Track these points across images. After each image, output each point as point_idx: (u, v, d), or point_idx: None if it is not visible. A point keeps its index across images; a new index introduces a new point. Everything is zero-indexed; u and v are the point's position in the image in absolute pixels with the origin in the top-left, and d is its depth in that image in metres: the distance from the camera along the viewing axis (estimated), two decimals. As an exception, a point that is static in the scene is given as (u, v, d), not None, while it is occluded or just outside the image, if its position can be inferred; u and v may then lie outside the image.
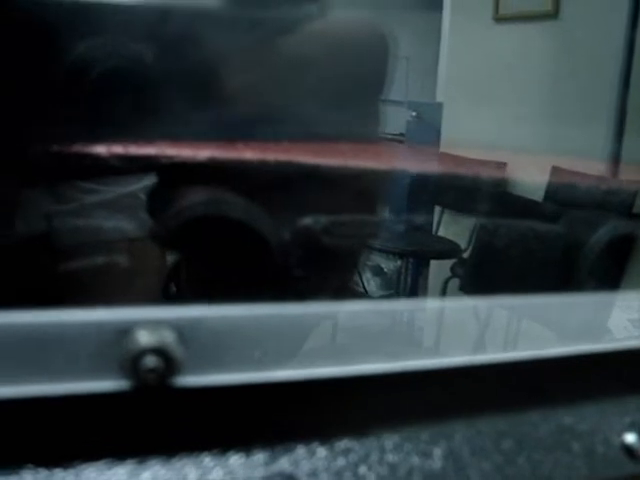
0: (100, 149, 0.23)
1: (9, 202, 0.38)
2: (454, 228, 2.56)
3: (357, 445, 0.21)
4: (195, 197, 0.25)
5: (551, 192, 2.04)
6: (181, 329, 0.18)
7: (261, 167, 0.25)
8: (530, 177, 2.20)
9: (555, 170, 2.11)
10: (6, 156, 0.23)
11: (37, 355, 0.17)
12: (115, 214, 0.46)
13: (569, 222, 1.37)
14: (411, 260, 2.65)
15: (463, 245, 2.37)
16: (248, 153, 0.25)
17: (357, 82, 0.26)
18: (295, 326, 0.20)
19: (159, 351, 0.17)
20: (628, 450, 0.24)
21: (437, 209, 2.67)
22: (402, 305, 0.20)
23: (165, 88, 0.23)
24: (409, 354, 0.22)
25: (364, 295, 3.01)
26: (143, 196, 0.34)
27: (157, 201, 0.27)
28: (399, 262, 2.69)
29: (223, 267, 0.29)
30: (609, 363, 0.26)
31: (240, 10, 0.24)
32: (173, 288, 0.32)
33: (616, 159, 1.96)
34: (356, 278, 2.95)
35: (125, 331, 0.17)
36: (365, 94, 0.27)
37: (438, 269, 2.58)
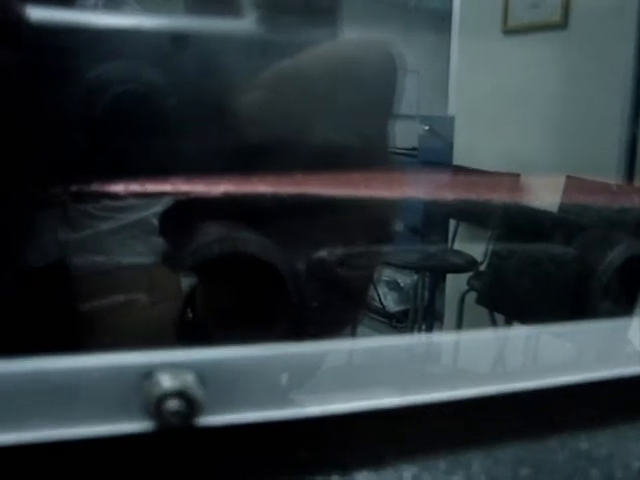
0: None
1: (22, 230, 0.39)
2: (470, 241, 2.55)
3: (376, 477, 0.22)
4: (210, 234, 0.26)
5: (566, 204, 2.03)
6: (201, 371, 0.18)
7: (275, 200, 0.25)
8: (545, 186, 2.19)
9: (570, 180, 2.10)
10: (20, 182, 0.23)
11: (64, 400, 0.18)
12: (128, 240, 0.46)
13: (586, 236, 1.36)
14: (427, 274, 2.65)
15: (479, 258, 2.36)
16: (262, 186, 0.26)
17: (367, 103, 0.26)
18: (311, 363, 0.21)
19: (181, 394, 0.18)
20: (647, 475, 0.25)
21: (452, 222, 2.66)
22: (419, 340, 0.20)
23: (179, 112, 0.24)
24: (426, 385, 0.23)
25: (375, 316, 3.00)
26: (155, 221, 0.35)
27: (171, 223, 0.28)
28: (415, 276, 2.68)
29: (239, 298, 0.29)
30: (625, 388, 0.26)
31: (254, 34, 0.24)
32: (189, 314, 0.33)
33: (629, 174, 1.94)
34: (373, 294, 2.94)
35: (148, 375, 0.18)
36: (374, 114, 0.27)
37: (455, 282, 2.57)
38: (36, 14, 0.21)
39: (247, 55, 0.24)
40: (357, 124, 0.26)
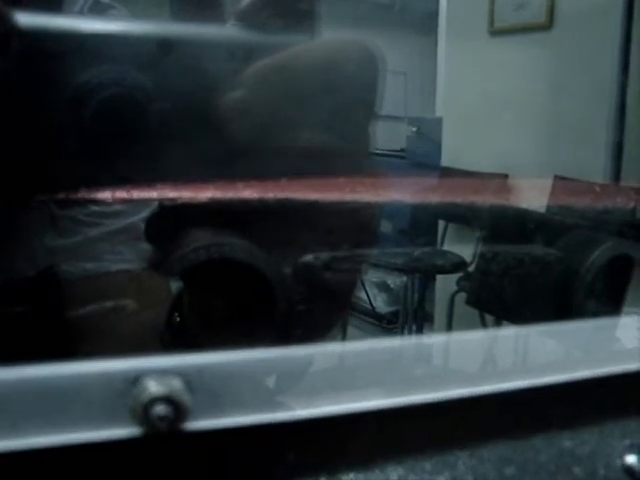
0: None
1: (11, 237, 0.39)
2: (459, 242, 2.56)
3: (363, 478, 0.22)
4: (196, 240, 0.26)
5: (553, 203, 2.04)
6: (188, 377, 0.18)
7: (261, 205, 0.26)
8: (532, 187, 2.20)
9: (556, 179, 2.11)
10: (7, 188, 0.23)
11: (52, 406, 0.18)
12: (117, 246, 0.46)
13: (574, 236, 1.36)
14: (417, 275, 2.65)
15: (468, 259, 2.37)
16: (247, 191, 0.26)
17: (346, 103, 0.26)
18: (298, 367, 0.21)
19: (168, 399, 0.18)
20: (629, 471, 0.25)
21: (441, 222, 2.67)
22: (407, 342, 0.20)
23: (166, 116, 0.24)
24: (411, 386, 0.23)
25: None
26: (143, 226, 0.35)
27: (157, 228, 0.28)
28: (405, 278, 2.68)
29: (226, 303, 0.30)
30: (608, 387, 0.26)
31: (235, 38, 0.25)
32: (177, 318, 0.33)
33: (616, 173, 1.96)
34: (363, 295, 2.95)
35: (135, 381, 0.18)
36: (355, 115, 0.26)
37: (445, 283, 2.58)
38: (24, 20, 0.21)
39: (230, 59, 0.24)
40: (337, 124, 0.26)
